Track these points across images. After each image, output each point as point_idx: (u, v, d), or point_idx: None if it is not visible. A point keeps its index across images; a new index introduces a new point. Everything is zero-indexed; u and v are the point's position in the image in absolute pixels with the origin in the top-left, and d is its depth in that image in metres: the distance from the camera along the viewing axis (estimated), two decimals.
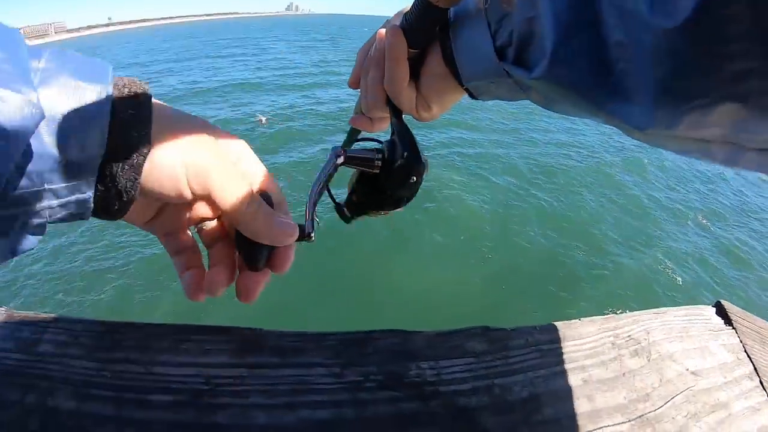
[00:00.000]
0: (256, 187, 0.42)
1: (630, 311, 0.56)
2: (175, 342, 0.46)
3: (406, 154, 0.46)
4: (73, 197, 0.35)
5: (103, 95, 0.35)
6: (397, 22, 0.50)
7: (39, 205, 0.34)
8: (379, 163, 0.48)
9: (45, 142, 0.32)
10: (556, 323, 0.49)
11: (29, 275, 4.46)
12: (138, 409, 0.39)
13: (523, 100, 0.46)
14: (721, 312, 0.61)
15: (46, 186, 0.33)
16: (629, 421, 0.41)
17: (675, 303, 3.68)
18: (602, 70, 0.34)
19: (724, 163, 0.31)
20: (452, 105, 0.54)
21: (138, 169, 0.36)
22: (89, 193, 0.36)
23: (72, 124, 0.33)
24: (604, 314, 0.54)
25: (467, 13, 0.46)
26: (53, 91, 0.32)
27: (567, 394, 0.41)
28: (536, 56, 0.40)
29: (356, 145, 0.57)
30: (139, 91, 0.37)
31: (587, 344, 0.47)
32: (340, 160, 0.47)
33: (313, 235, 0.43)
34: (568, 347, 0.46)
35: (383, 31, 0.50)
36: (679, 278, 4.61)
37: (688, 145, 0.32)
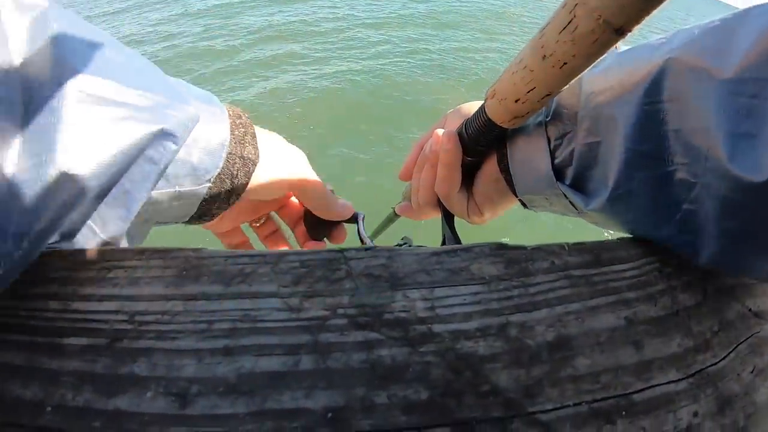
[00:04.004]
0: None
1: None
2: (102, 270, 0.36)
3: None
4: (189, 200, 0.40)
5: (223, 116, 0.41)
6: (455, 122, 0.49)
7: (166, 205, 0.39)
8: None
9: (185, 150, 0.37)
10: (589, 242, 0.38)
11: None
12: (49, 356, 0.31)
13: None
14: None
15: (177, 188, 0.38)
16: (686, 377, 0.30)
17: None
18: (665, 210, 0.33)
19: None
20: (505, 211, 0.54)
21: (249, 176, 0.43)
22: (201, 198, 0.41)
23: (204, 137, 0.38)
24: None
25: (526, 123, 0.43)
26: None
27: (607, 337, 0.30)
28: (595, 185, 0.38)
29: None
30: (240, 113, 0.45)
31: (630, 271, 0.36)
32: None
33: (360, 223, 0.57)
34: (606, 274, 0.35)
35: (440, 132, 0.48)
36: None
37: None
